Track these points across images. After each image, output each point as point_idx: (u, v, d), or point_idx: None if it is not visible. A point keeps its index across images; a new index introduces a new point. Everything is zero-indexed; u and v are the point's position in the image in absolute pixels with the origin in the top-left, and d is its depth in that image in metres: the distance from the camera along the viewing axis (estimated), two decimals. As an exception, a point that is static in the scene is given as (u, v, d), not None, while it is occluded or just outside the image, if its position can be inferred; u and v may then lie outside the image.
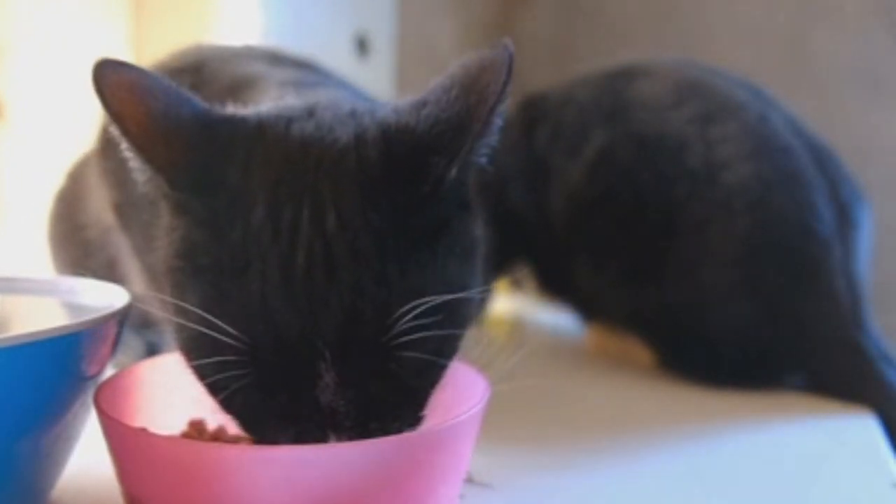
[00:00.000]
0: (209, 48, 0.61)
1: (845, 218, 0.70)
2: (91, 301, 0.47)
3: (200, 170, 0.36)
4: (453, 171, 0.37)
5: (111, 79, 0.36)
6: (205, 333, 0.34)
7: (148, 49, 0.91)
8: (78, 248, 0.62)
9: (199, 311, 0.34)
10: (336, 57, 0.75)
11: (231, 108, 0.40)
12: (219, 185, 0.36)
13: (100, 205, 0.56)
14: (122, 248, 0.55)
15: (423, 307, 0.34)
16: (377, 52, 1.20)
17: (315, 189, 0.36)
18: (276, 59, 0.57)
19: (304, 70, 0.56)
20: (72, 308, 0.48)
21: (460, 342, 0.39)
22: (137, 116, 0.36)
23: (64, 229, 0.64)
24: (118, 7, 0.92)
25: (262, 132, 0.38)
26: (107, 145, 0.55)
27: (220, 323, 0.34)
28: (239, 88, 0.49)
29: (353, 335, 0.34)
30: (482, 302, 0.85)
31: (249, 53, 0.57)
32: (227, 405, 0.37)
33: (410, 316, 0.34)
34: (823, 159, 0.72)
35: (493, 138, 0.38)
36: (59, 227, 0.65)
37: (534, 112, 0.81)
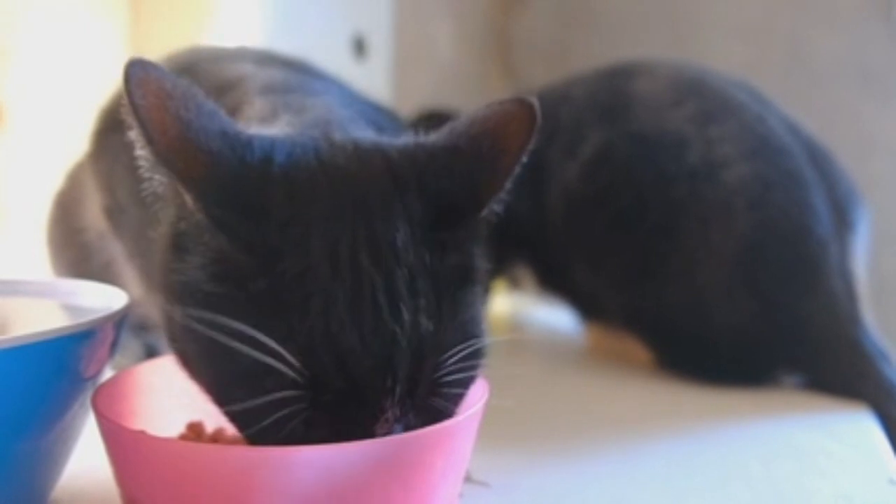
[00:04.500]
0: (203, 49, 0.61)
1: (841, 217, 0.70)
2: (90, 303, 0.47)
3: (235, 188, 0.35)
4: (483, 217, 0.39)
5: (142, 81, 0.34)
6: (257, 363, 0.33)
7: (146, 52, 0.91)
8: (76, 251, 0.62)
9: (256, 335, 0.33)
10: (334, 59, 0.75)
11: (255, 129, 0.40)
12: (261, 210, 0.35)
13: (95, 208, 0.57)
14: (117, 252, 0.55)
15: (470, 346, 0.36)
16: (375, 53, 1.20)
17: (368, 225, 0.36)
18: (265, 59, 0.57)
19: (293, 71, 0.56)
20: (71, 310, 0.48)
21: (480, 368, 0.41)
22: (165, 124, 0.34)
23: (62, 232, 0.64)
24: (117, 10, 0.92)
25: (295, 159, 0.37)
26: (98, 150, 0.55)
27: (281, 350, 0.33)
28: (223, 90, 0.49)
29: (419, 372, 0.35)
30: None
31: (240, 54, 0.57)
32: (262, 435, 0.35)
33: (459, 353, 0.36)
34: (820, 159, 0.72)
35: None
36: (58, 229, 0.65)
37: None
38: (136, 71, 0.34)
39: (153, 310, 0.53)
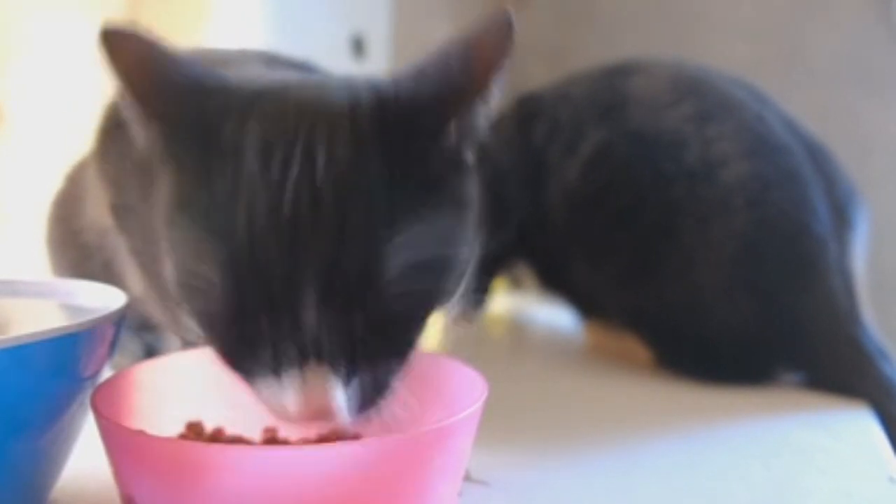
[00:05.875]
0: (205, 52, 0.61)
1: (840, 215, 0.70)
2: (89, 303, 0.47)
3: (195, 123, 0.38)
4: (452, 132, 0.38)
5: (117, 41, 0.37)
6: (190, 272, 0.36)
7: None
8: (76, 251, 0.62)
9: (184, 251, 0.36)
10: (332, 58, 0.75)
11: (233, 73, 0.42)
12: (212, 138, 0.37)
13: (97, 207, 0.57)
14: (119, 250, 0.55)
15: (410, 252, 0.36)
16: (373, 53, 1.20)
17: (308, 137, 0.37)
18: (272, 61, 0.57)
19: (301, 71, 0.56)
20: (70, 310, 0.48)
21: (448, 292, 0.40)
22: (139, 71, 0.37)
23: (62, 232, 0.64)
24: (116, 11, 0.92)
25: (260, 94, 0.39)
26: (105, 147, 0.55)
27: (202, 262, 0.35)
28: None
29: (336, 277, 0.35)
30: (481, 300, 0.85)
31: (245, 57, 0.57)
32: (209, 333, 0.38)
33: (397, 259, 0.36)
34: (819, 158, 0.72)
35: (491, 104, 0.39)
36: (58, 229, 0.65)
37: (529, 109, 0.81)
38: (113, 30, 0.37)
39: (153, 308, 0.53)
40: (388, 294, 0.36)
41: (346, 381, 0.37)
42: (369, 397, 0.38)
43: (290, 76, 0.44)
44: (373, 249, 0.36)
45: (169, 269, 0.39)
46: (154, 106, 0.38)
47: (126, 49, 0.37)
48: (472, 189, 0.42)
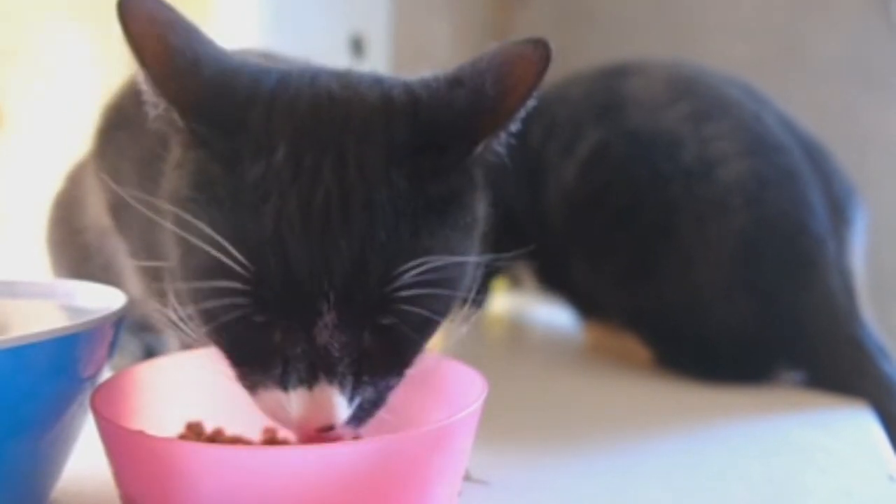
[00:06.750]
0: None
1: (839, 214, 0.70)
2: (88, 304, 0.47)
3: (219, 106, 0.37)
4: (477, 152, 0.39)
5: (135, 9, 0.37)
6: (211, 258, 0.35)
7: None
8: (76, 252, 0.62)
9: (211, 233, 0.35)
10: (331, 58, 0.75)
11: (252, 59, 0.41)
12: (240, 124, 0.37)
13: (96, 207, 0.57)
14: (119, 251, 0.55)
15: (427, 266, 0.36)
16: (372, 53, 1.20)
17: (339, 140, 0.37)
18: (272, 60, 0.57)
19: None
20: (69, 311, 0.48)
21: (454, 305, 0.41)
22: (156, 48, 0.37)
23: (62, 233, 0.64)
24: (116, 13, 0.92)
25: (286, 83, 0.39)
26: (103, 147, 0.56)
27: (229, 247, 0.35)
28: None
29: (359, 281, 0.35)
30: (480, 301, 0.85)
31: (245, 55, 0.57)
32: (217, 335, 0.38)
33: (415, 272, 0.35)
34: (816, 156, 0.72)
35: (516, 126, 0.39)
36: (58, 230, 0.65)
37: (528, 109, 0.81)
38: (130, 3, 0.37)
39: (152, 309, 0.53)
40: (401, 310, 0.36)
41: (351, 399, 0.37)
42: (367, 411, 0.39)
43: (317, 66, 0.43)
44: (395, 262, 0.36)
45: (177, 258, 0.38)
46: (171, 85, 0.37)
47: (143, 23, 0.37)
48: (481, 206, 0.42)
